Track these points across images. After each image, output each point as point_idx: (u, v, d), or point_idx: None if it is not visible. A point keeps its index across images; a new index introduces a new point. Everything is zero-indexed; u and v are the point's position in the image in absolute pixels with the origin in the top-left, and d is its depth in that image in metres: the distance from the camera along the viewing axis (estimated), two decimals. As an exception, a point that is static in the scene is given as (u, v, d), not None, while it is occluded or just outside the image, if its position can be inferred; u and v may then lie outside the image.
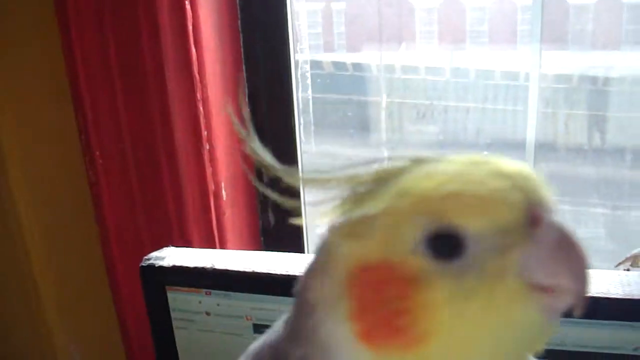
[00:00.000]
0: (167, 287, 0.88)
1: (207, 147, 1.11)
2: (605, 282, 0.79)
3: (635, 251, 0.91)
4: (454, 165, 0.36)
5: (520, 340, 0.36)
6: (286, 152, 1.21)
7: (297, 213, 0.48)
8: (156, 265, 0.87)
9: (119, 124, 1.10)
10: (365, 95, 2.02)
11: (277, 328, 0.46)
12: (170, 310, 0.89)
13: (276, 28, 1.15)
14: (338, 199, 0.39)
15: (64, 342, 1.30)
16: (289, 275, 0.83)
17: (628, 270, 0.91)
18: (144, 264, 0.88)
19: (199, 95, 1.08)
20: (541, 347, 0.36)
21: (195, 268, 0.86)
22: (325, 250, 0.39)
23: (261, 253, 0.93)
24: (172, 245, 0.95)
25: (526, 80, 1.58)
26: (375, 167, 0.39)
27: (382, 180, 0.38)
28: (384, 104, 1.81)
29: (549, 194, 0.36)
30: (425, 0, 2.28)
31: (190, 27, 1.05)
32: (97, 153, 1.13)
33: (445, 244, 0.35)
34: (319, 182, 0.40)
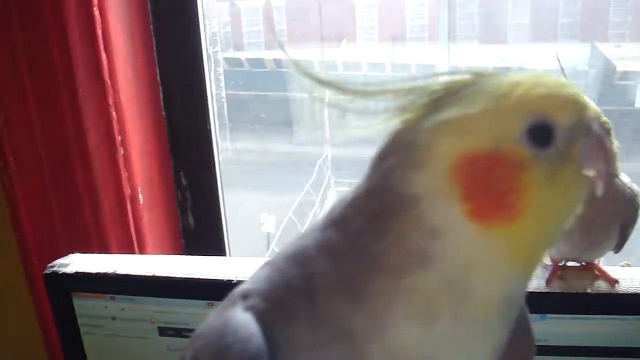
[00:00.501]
0: (72, 293, 0.88)
1: (122, 151, 1.11)
2: None
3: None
4: (527, 76, 0.43)
5: (572, 213, 0.44)
6: (204, 151, 1.22)
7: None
8: (60, 272, 0.88)
9: (32, 131, 1.10)
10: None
11: (309, 238, 0.46)
12: (77, 316, 0.89)
13: (188, 27, 1.16)
14: (410, 106, 0.44)
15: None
16: (189, 278, 0.85)
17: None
18: (47, 272, 0.88)
19: (111, 101, 1.08)
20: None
21: (98, 274, 0.87)
22: (415, 145, 0.43)
23: (164, 257, 0.94)
24: (91, 251, 0.96)
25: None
26: (444, 78, 0.44)
27: (454, 89, 0.43)
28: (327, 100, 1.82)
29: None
30: (366, -4, 2.29)
31: (99, 32, 1.05)
32: (11, 159, 1.12)
33: (543, 135, 0.42)
34: (392, 93, 0.44)
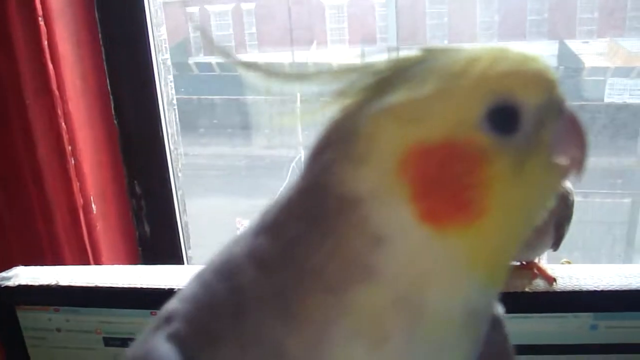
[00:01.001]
0: (16, 306, 0.88)
1: (73, 162, 1.11)
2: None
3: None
4: (486, 51, 0.38)
5: (543, 206, 0.39)
6: (158, 159, 1.22)
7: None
8: (3, 286, 0.87)
9: (-20, 145, 1.10)
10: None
11: (240, 242, 0.41)
12: (22, 329, 0.89)
13: (137, 34, 1.16)
14: (351, 89, 0.38)
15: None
16: (131, 287, 0.85)
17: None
18: (-10, 285, 0.88)
19: (60, 111, 1.07)
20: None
21: (41, 286, 0.87)
22: (354, 137, 0.37)
23: (108, 267, 0.94)
24: (45, 263, 0.96)
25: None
26: (389, 57, 0.38)
27: (401, 68, 0.37)
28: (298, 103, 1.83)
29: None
30: (334, -1, 2.30)
31: (45, 43, 1.04)
32: (-40, 174, 1.12)
33: (507, 119, 0.36)
34: (328, 75, 0.38)
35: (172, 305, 0.42)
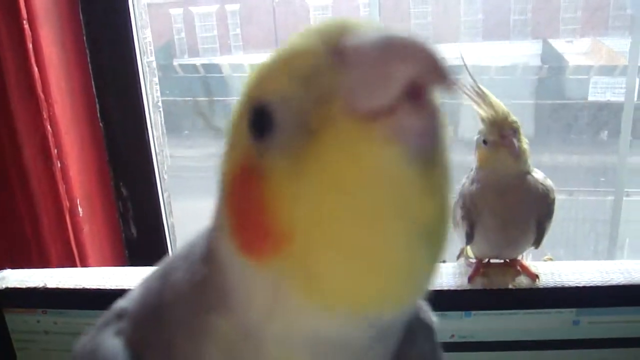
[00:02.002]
0: (3, 309, 0.88)
1: (59, 165, 1.11)
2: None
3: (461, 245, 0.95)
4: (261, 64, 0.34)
5: (396, 198, 0.28)
6: (143, 161, 1.22)
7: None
8: (-11, 289, 0.88)
9: (-33, 148, 1.10)
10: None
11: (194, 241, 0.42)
12: (10, 332, 0.89)
13: (122, 36, 1.16)
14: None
15: None
16: (118, 289, 0.85)
17: (443, 262, 0.95)
18: (-23, 288, 0.88)
19: (45, 115, 1.08)
20: (437, 202, 0.29)
21: (28, 289, 0.87)
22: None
23: (94, 269, 0.94)
24: (32, 266, 0.96)
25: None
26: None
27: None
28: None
29: (362, 25, 0.30)
30: (318, -2, 2.30)
31: (30, 46, 1.04)
32: (-54, 177, 1.12)
33: (260, 121, 0.31)
34: None
35: (122, 303, 0.44)
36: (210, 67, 2.50)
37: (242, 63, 2.54)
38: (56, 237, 1.14)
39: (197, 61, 2.36)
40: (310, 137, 0.29)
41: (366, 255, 0.29)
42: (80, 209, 1.15)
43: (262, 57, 0.34)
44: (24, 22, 1.03)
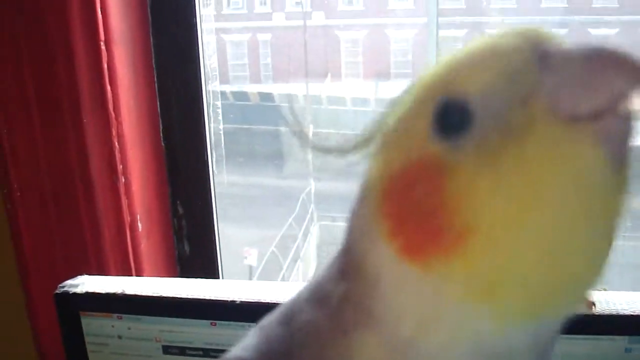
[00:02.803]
0: (80, 312, 0.93)
1: (123, 180, 1.16)
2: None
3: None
4: (457, 51, 0.33)
5: (590, 199, 0.29)
6: (201, 182, 1.27)
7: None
8: (70, 292, 0.92)
9: (37, 158, 1.15)
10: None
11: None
12: (85, 335, 0.93)
13: (189, 62, 1.22)
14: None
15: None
16: (194, 298, 0.89)
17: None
18: (58, 292, 0.92)
19: (114, 131, 1.13)
20: (620, 205, 0.30)
21: (107, 294, 0.91)
22: (363, 184, 0.36)
23: (169, 279, 0.98)
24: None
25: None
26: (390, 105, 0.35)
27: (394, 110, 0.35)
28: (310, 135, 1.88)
29: (559, 37, 0.31)
30: (350, 32, 2.35)
31: (105, 66, 1.10)
32: (15, 186, 1.17)
33: (454, 118, 0.30)
34: (355, 148, 0.36)
35: (237, 353, 0.40)
36: (239, 95, 2.54)
37: (272, 92, 2.58)
38: (116, 250, 1.18)
39: (228, 88, 2.41)
40: (510, 135, 0.29)
41: (553, 253, 0.29)
42: (139, 224, 1.20)
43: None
44: (101, 43, 1.09)
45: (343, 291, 0.36)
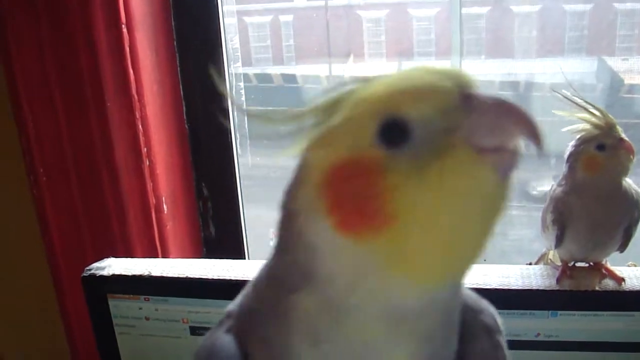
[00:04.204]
0: (108, 295, 0.93)
1: (147, 163, 1.16)
2: (507, 274, 0.87)
3: (543, 250, 0.99)
4: (396, 75, 0.42)
5: (482, 209, 0.40)
6: (225, 164, 1.27)
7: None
8: (97, 275, 0.93)
9: (62, 143, 1.15)
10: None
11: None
12: (112, 317, 0.94)
13: (211, 45, 1.21)
14: (303, 131, 0.43)
15: (11, 354, 1.35)
16: (220, 279, 0.90)
17: (530, 264, 0.98)
18: (85, 274, 0.93)
19: (137, 115, 1.13)
20: (503, 210, 0.40)
21: (134, 276, 0.92)
22: (301, 164, 0.44)
23: (195, 260, 0.98)
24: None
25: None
26: (328, 95, 0.44)
27: (338, 102, 0.43)
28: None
29: (478, 82, 0.42)
30: (372, 11, 2.33)
31: (127, 49, 1.10)
32: (41, 170, 1.18)
33: (395, 133, 0.39)
34: (278, 120, 0.44)
35: (231, 305, 0.52)
36: (262, 77, 2.54)
37: (295, 73, 2.57)
38: (141, 232, 1.19)
39: (250, 70, 2.40)
40: (435, 154, 0.39)
41: (454, 239, 0.40)
42: (165, 207, 1.20)
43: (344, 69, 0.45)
44: (123, 26, 1.09)
45: (289, 260, 0.44)
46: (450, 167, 0.39)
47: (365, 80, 0.44)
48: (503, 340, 0.52)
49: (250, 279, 0.51)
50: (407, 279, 0.40)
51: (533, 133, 0.39)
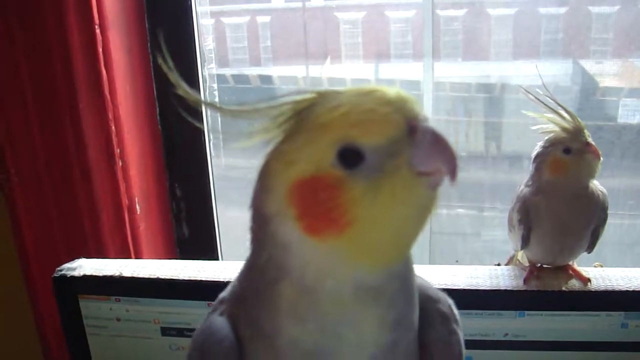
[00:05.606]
0: (79, 295, 0.93)
1: (120, 163, 1.16)
2: (476, 275, 0.88)
3: (512, 252, 1.00)
4: (351, 97, 0.49)
5: (419, 214, 0.49)
6: (198, 165, 1.27)
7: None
8: (68, 276, 0.92)
9: (34, 143, 1.15)
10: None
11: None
12: (83, 318, 0.94)
13: (185, 46, 1.21)
14: (262, 127, 0.50)
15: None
16: (191, 280, 0.90)
17: (498, 264, 1.00)
18: (56, 275, 0.93)
19: (110, 115, 1.13)
20: (433, 213, 0.50)
21: (105, 277, 0.92)
22: (267, 174, 0.51)
23: (166, 261, 0.98)
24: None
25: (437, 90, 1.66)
26: (290, 99, 0.50)
27: (297, 111, 0.50)
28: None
29: (421, 109, 0.50)
30: (349, 13, 2.33)
31: (100, 49, 1.10)
32: (13, 171, 1.17)
33: (352, 157, 0.47)
34: (241, 113, 0.51)
35: (222, 294, 0.59)
36: (239, 78, 2.53)
37: (272, 75, 2.56)
38: (114, 233, 1.19)
39: (227, 71, 2.39)
40: (385, 174, 0.48)
41: (399, 235, 0.50)
42: (138, 207, 1.20)
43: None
44: (96, 26, 1.09)
45: (266, 256, 0.52)
46: (396, 185, 0.48)
47: (322, 93, 0.51)
48: (458, 327, 0.59)
49: (222, 280, 0.59)
50: (367, 264, 0.50)
51: (453, 170, 0.47)
